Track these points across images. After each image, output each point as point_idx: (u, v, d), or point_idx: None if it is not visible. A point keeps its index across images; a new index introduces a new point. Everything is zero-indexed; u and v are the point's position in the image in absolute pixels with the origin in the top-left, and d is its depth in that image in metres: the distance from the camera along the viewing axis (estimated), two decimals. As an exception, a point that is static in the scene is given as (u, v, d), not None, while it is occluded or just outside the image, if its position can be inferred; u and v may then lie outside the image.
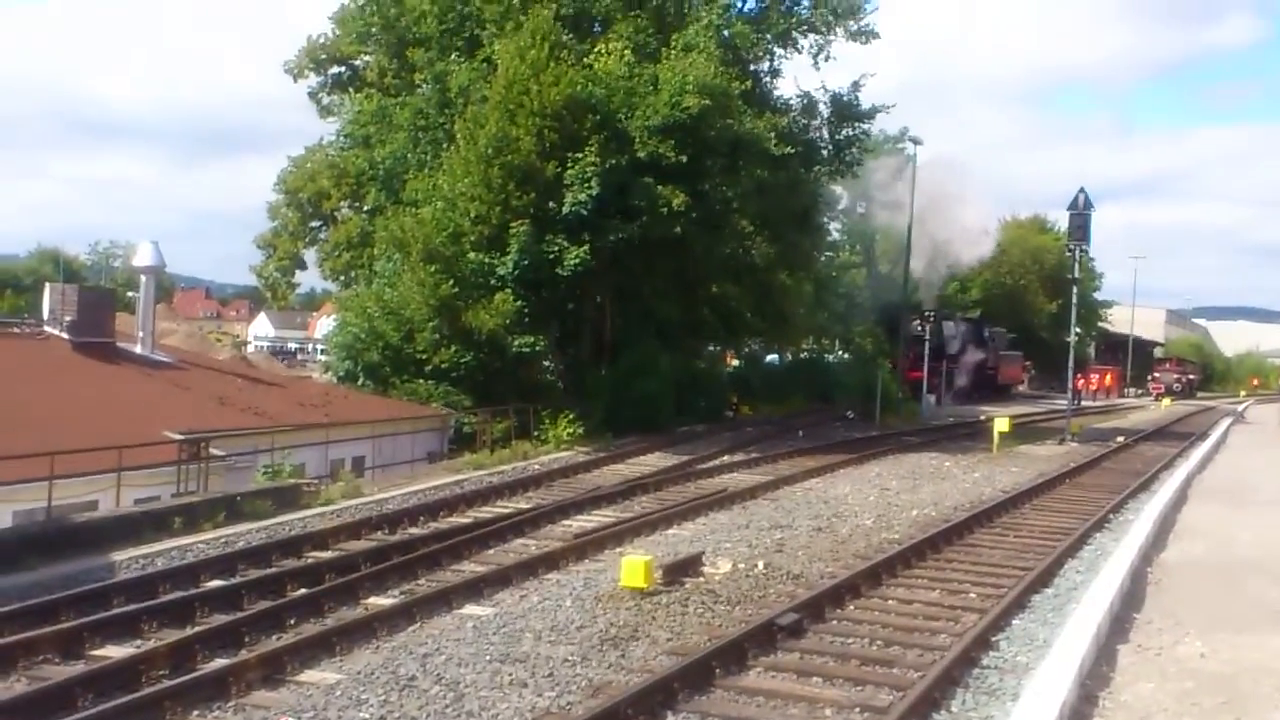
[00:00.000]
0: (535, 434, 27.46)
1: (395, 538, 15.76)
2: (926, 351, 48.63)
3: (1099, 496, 22.21)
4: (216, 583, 12.78)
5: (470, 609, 12.04)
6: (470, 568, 14.12)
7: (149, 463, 17.31)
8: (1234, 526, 18.45)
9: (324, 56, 40.72)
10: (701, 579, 13.76)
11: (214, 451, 18.58)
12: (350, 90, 38.67)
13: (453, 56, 32.71)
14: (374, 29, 35.40)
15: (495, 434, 26.45)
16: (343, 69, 41.09)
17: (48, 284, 28.76)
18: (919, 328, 50.96)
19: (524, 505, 18.90)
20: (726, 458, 26.80)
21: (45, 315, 25.72)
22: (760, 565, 14.61)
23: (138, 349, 25.72)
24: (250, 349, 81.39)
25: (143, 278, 26.93)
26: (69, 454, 15.29)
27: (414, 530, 16.54)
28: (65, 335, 24.18)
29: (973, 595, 13.35)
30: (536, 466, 23.75)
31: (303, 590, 12.41)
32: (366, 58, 39.19)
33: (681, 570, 13.83)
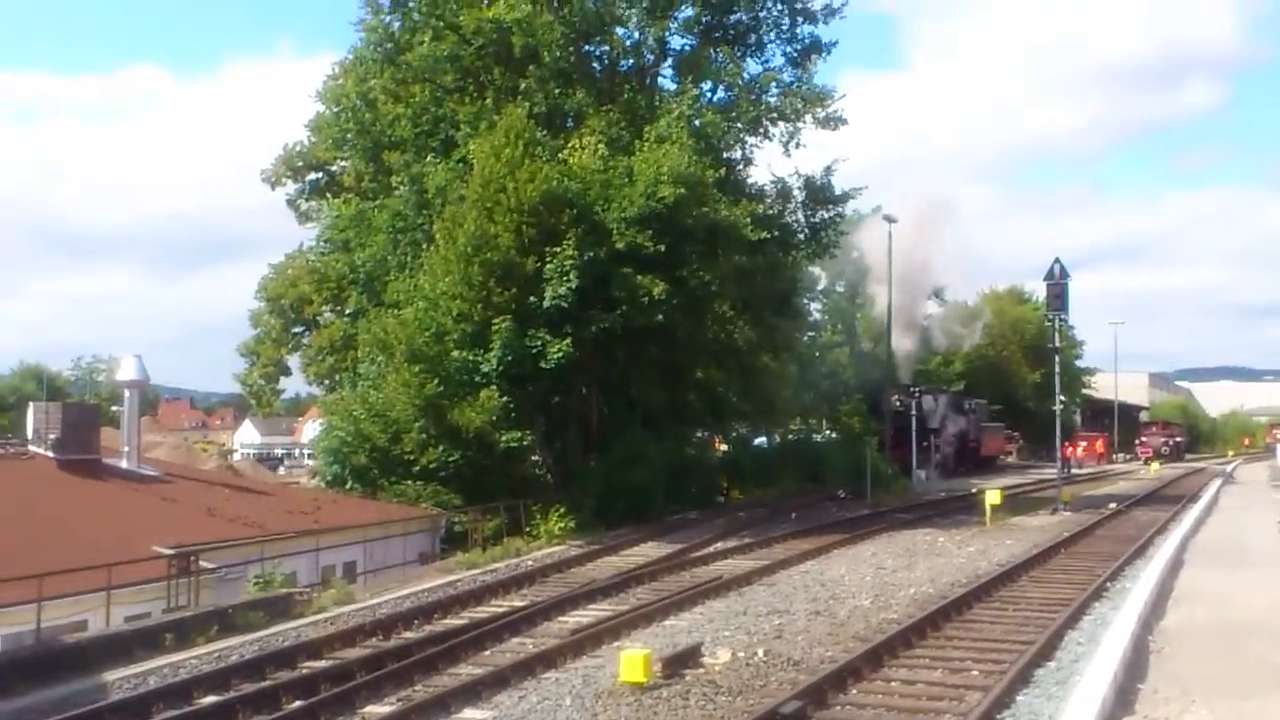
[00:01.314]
0: (527, 530, 27.28)
1: (390, 644, 15.56)
2: (913, 426, 48.68)
3: (1095, 565, 22.13)
4: (211, 699, 12.59)
5: (469, 713, 11.88)
6: (467, 670, 13.94)
7: (138, 579, 17.13)
8: (1232, 589, 18.38)
9: (301, 163, 41.29)
10: (701, 670, 13.61)
11: (204, 564, 18.40)
12: (328, 195, 39.17)
13: (428, 158, 33.10)
14: (349, 134, 35.82)
15: (486, 532, 26.28)
16: (320, 175, 41.64)
17: (31, 403, 28.66)
18: (898, 403, 51.02)
19: (519, 603, 18.71)
20: (720, 544, 26.64)
21: (29, 434, 25.60)
22: (760, 653, 14.46)
23: (124, 464, 25.56)
24: (237, 457, 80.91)
25: (126, 392, 26.86)
26: (57, 575, 15.11)
27: (408, 635, 16.34)
28: (50, 454, 24.04)
29: (975, 673, 13.23)
30: (530, 563, 23.56)
31: (298, 702, 12.23)
32: (343, 163, 39.73)
33: (681, 662, 13.68)
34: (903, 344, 58.58)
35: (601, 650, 14.87)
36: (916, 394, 52.42)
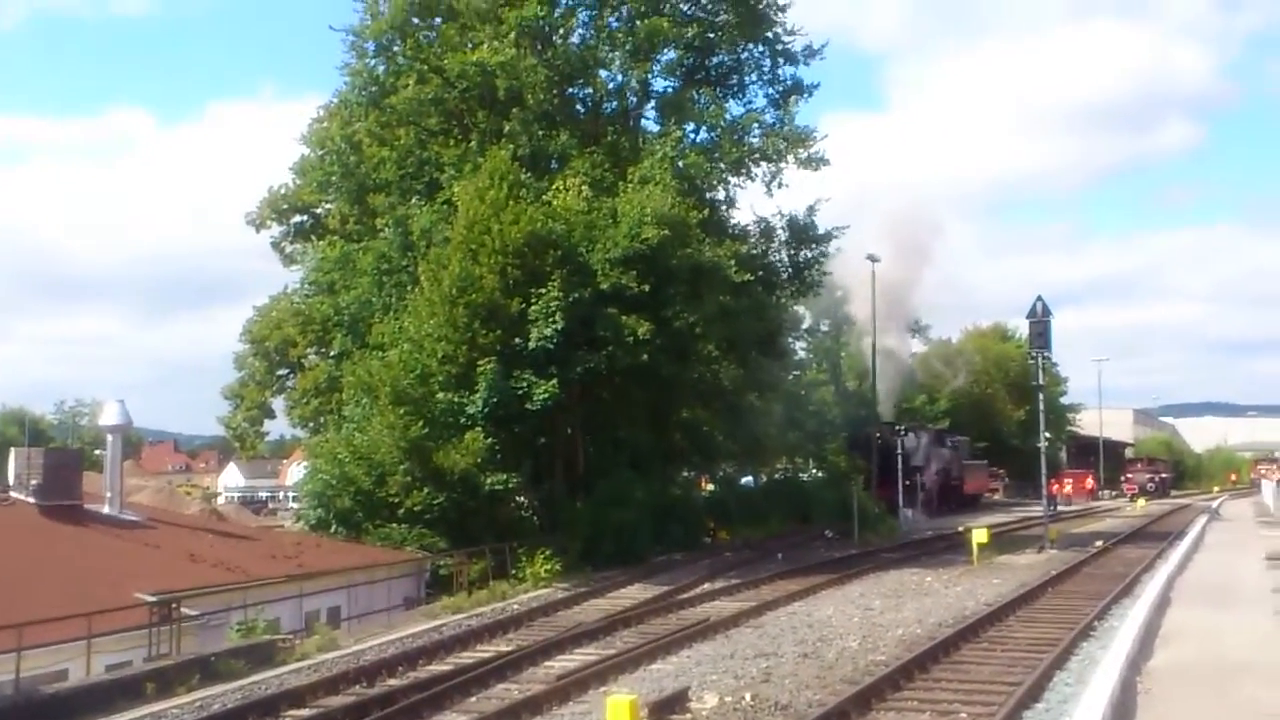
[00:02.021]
0: (513, 572, 27.10)
1: (374, 691, 15.42)
2: (898, 465, 48.67)
3: (1082, 604, 22.11)
4: (191, 750, 12.43)
5: (454, 762, 11.74)
6: (453, 718, 13.81)
7: (120, 627, 16.94)
8: (1219, 628, 18.34)
9: (286, 206, 41.34)
10: (689, 715, 13.51)
11: (186, 611, 18.22)
12: (313, 238, 39.18)
13: (413, 200, 33.22)
14: (334, 177, 35.92)
15: (472, 575, 26.10)
16: (305, 217, 41.68)
17: (13, 448, 28.46)
18: (879, 439, 50.97)
19: (505, 648, 18.58)
20: (707, 585, 26.51)
21: (11, 479, 25.41)
22: (748, 697, 14.37)
23: (106, 509, 25.36)
24: (220, 500, 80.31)
25: (109, 437, 26.70)
26: (37, 624, 14.94)
27: (393, 681, 16.19)
28: (31, 499, 23.84)
29: (964, 715, 13.18)
30: (516, 606, 23.41)
31: (281, 752, 12.08)
32: (328, 205, 39.79)
33: (668, 708, 13.59)
34: (886, 382, 58.57)
35: (588, 696, 14.76)
36: (902, 432, 52.37)
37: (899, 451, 49.04)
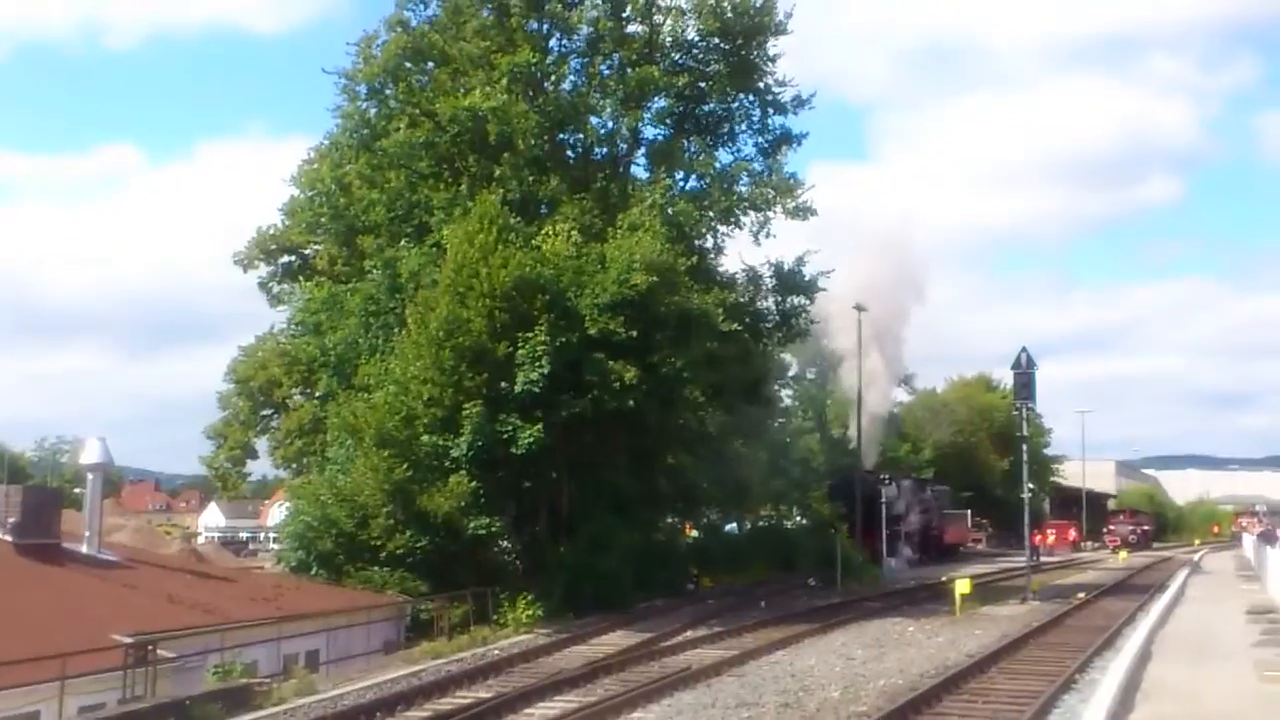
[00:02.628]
0: (494, 617, 26.96)
1: (352, 736, 15.26)
2: (882, 514, 48.63)
3: (1064, 656, 22.05)
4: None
5: (431, 811, 11.60)
6: (430, 765, 13.67)
7: (95, 669, 16.75)
8: (1200, 682, 18.29)
9: (274, 246, 41.39)
10: (669, 766, 13.39)
11: (163, 653, 18.03)
12: (300, 278, 39.20)
13: (402, 243, 33.27)
14: (323, 218, 36.02)
15: (453, 619, 25.94)
16: (293, 258, 41.73)
17: (-9, 485, 28.23)
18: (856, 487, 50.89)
19: (484, 694, 18.43)
20: (689, 633, 26.38)
21: (-12, 517, 25.16)
22: (728, 748, 14.25)
23: (84, 548, 25.13)
24: (200, 541, 79.78)
25: (89, 476, 26.51)
26: (10, 664, 14.77)
27: (371, 727, 16.04)
28: (8, 537, 23.61)
29: (946, 770, 13.08)
30: (496, 652, 23.25)
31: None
32: (316, 246, 39.86)
33: (648, 758, 13.46)
34: (870, 430, 58.58)
35: (568, 745, 14.62)
36: (887, 480, 52.36)
37: (882, 501, 49.02)
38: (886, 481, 51.94)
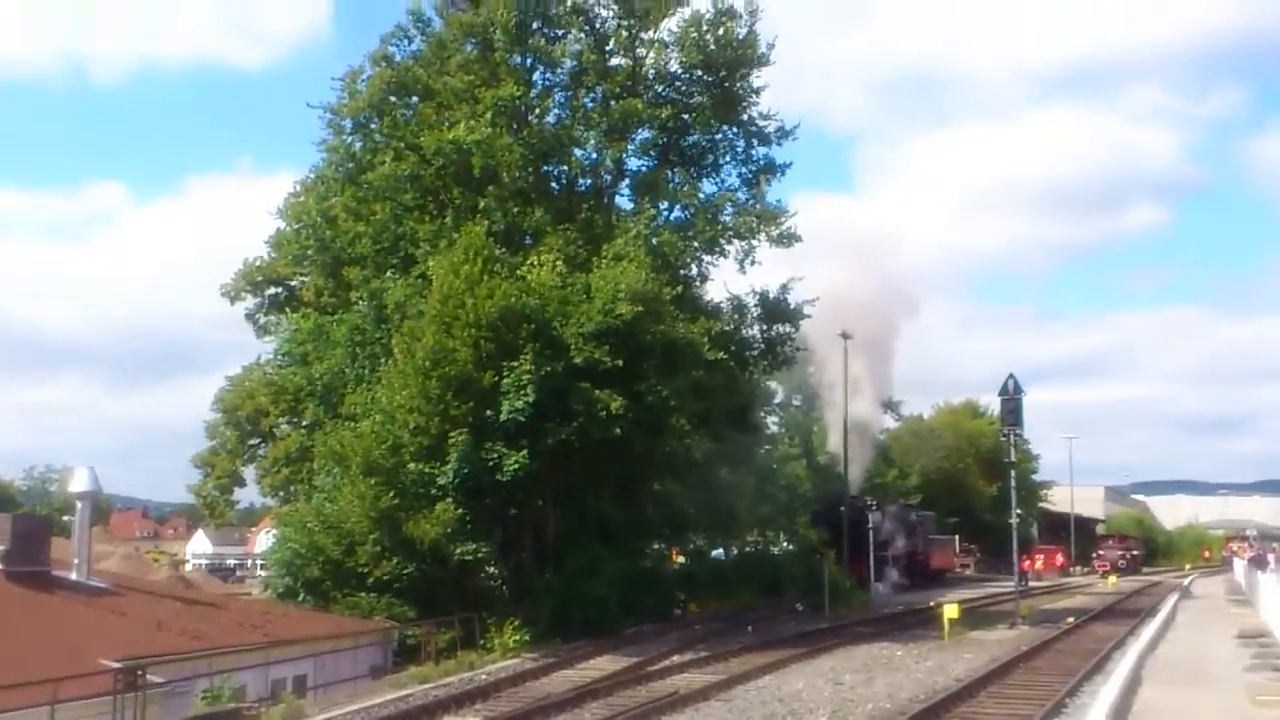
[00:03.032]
0: (481, 643, 27.06)
1: (339, 759, 15.39)
2: (869, 539, 48.76)
3: (1053, 680, 22.17)
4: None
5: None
6: (416, 786, 13.80)
7: (85, 694, 16.85)
8: (1192, 706, 18.38)
9: (260, 278, 41.64)
10: (652, 784, 13.54)
11: (152, 678, 18.13)
12: (287, 310, 39.45)
13: (388, 274, 33.49)
14: (310, 251, 36.25)
15: (440, 645, 26.05)
16: (279, 289, 41.96)
17: (-19, 514, 28.28)
18: (842, 512, 50.93)
19: (472, 718, 18.56)
20: (677, 657, 26.48)
21: (-23, 546, 25.21)
22: (712, 767, 14.40)
23: (74, 575, 25.20)
24: (188, 568, 79.56)
25: (78, 504, 26.58)
26: (1, 689, 14.88)
27: (358, 750, 16.16)
28: (-2, 566, 23.69)
29: (925, 785, 13.25)
30: (484, 676, 23.34)
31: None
32: (303, 278, 40.11)
33: (632, 776, 13.62)
34: (856, 457, 58.59)
35: (553, 765, 14.76)
36: (873, 506, 52.50)
37: (870, 527, 49.14)
38: (873, 507, 52.08)
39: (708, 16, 35.03)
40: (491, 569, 31.94)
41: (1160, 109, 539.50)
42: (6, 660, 17.72)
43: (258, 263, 41.38)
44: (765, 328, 38.03)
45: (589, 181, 36.93)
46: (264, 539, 60.58)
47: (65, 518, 46.03)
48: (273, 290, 42.08)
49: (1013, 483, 41.63)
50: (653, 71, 36.12)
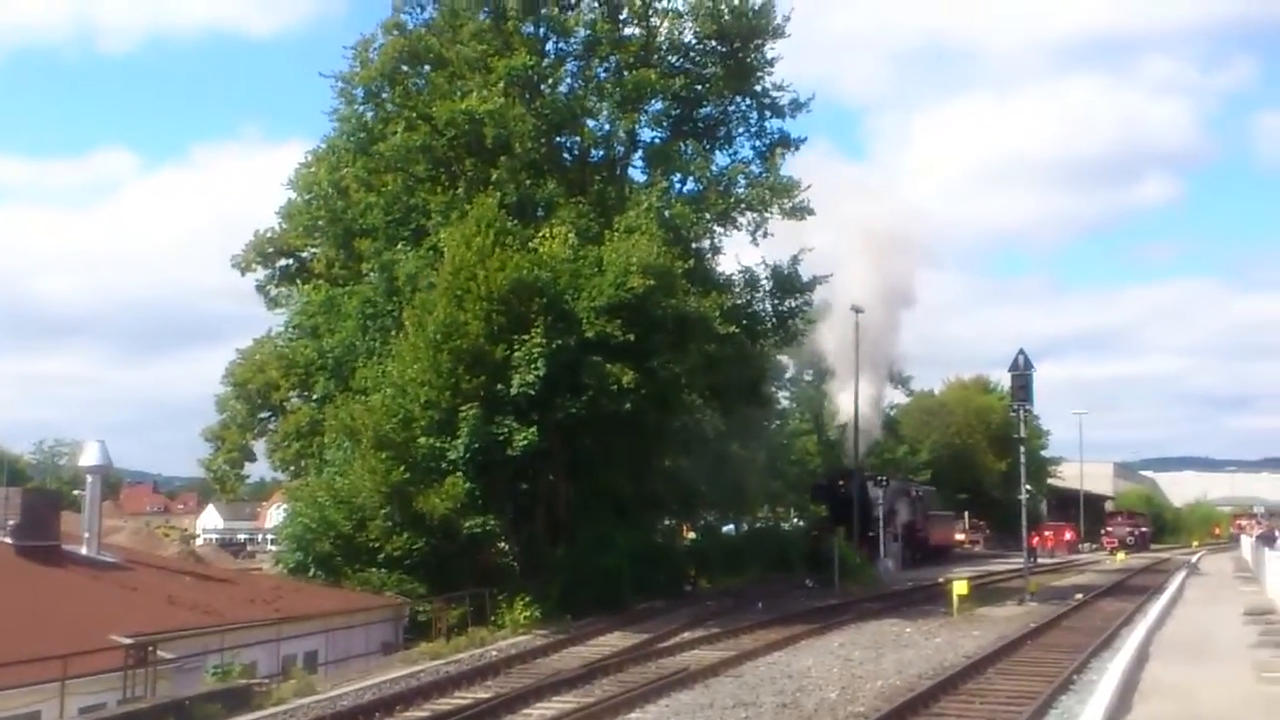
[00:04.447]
0: (492, 619, 27.04)
1: (351, 736, 15.34)
2: (880, 516, 48.66)
3: (1061, 657, 22.11)
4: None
5: (430, 809, 11.67)
6: (429, 765, 13.74)
7: (95, 669, 16.84)
8: (1198, 683, 18.36)
9: (271, 250, 41.44)
10: (667, 765, 13.46)
11: (162, 654, 18.12)
12: (298, 281, 39.27)
13: (399, 246, 33.31)
14: (321, 222, 36.10)
15: (451, 621, 26.02)
16: (290, 261, 41.77)
17: (-9, 487, 28.30)
18: (842, 488, 50.74)
19: (483, 695, 18.52)
20: (687, 634, 26.43)
21: (-12, 520, 25.24)
22: (726, 747, 14.32)
23: (84, 550, 25.22)
24: (199, 542, 79.87)
25: (89, 478, 26.59)
26: (11, 665, 14.85)
27: (370, 728, 16.11)
28: (8, 540, 23.70)
29: (942, 768, 13.16)
30: (494, 652, 23.32)
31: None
32: (314, 249, 39.91)
33: (646, 756, 13.53)
34: (868, 432, 58.29)
35: (566, 744, 14.70)
36: (885, 482, 52.28)
37: (879, 503, 49.00)
38: (884, 483, 51.93)
39: (722, -14, 34.67)
40: (502, 544, 31.89)
41: (1173, 81, 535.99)
42: (17, 635, 17.71)
43: (268, 234, 41.17)
44: (777, 301, 37.83)
45: (601, 153, 36.71)
46: (275, 514, 60.74)
47: (75, 492, 46.22)
48: (284, 262, 41.87)
49: (1022, 459, 41.49)
50: (666, 42, 35.82)
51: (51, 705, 15.93)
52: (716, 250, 37.43)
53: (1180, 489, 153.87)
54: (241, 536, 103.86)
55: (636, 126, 35.65)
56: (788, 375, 58.18)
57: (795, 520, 54.74)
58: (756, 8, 35.01)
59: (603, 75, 35.34)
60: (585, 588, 29.73)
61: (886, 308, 60.89)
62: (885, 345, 63.43)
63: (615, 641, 25.22)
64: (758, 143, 37.26)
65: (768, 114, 36.96)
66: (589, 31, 35.02)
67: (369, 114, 34.81)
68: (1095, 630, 26.58)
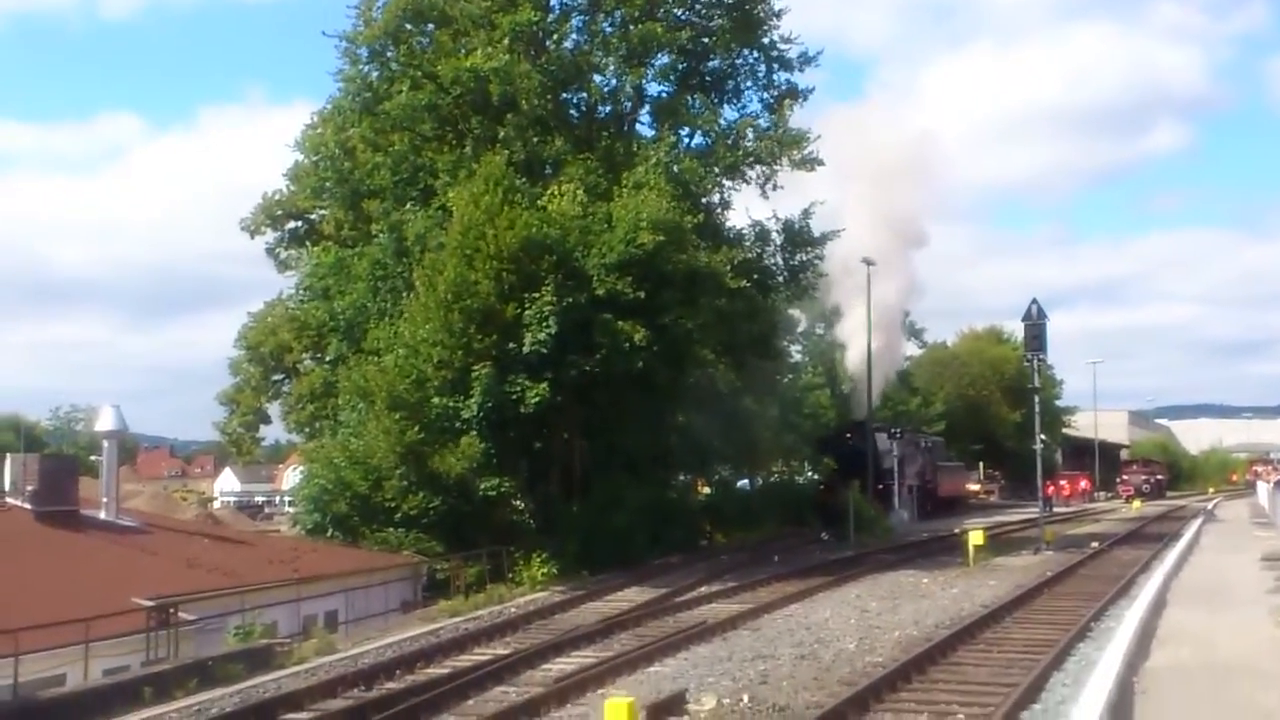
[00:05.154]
0: (509, 576, 27.16)
1: (372, 694, 15.44)
2: (896, 468, 48.61)
3: (1079, 605, 22.14)
4: (190, 754, 12.44)
5: (453, 764, 11.75)
6: (450, 721, 13.82)
7: (117, 632, 16.98)
8: (1216, 629, 18.38)
9: (280, 212, 41.31)
10: (686, 717, 13.53)
11: (184, 615, 18.26)
12: (308, 244, 39.18)
13: (408, 206, 33.20)
14: (328, 183, 35.92)
15: (469, 579, 26.14)
16: (299, 223, 41.65)
17: (8, 454, 28.45)
18: (849, 439, 50.60)
19: (502, 651, 18.61)
20: (704, 588, 26.51)
21: (7, 485, 25.41)
22: (745, 699, 14.40)
23: (102, 515, 25.39)
24: (216, 505, 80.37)
25: (105, 443, 26.72)
26: (34, 629, 14.98)
27: (391, 685, 16.20)
28: (28, 505, 23.85)
29: (961, 717, 13.22)
30: (513, 609, 23.44)
31: (280, 756, 12.10)
32: (322, 211, 39.75)
33: (665, 710, 13.61)
34: (880, 383, 57.91)
35: (585, 699, 14.79)
36: (898, 434, 52.22)
37: (893, 454, 48.94)
38: (897, 435, 51.84)
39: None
40: (518, 502, 31.96)
41: (1183, 26, 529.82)
42: (40, 599, 17.86)
43: (277, 196, 41.04)
44: (788, 255, 37.64)
45: (609, 108, 36.36)
46: (291, 475, 60.90)
47: (92, 457, 46.38)
48: (293, 224, 41.74)
49: (1037, 409, 41.39)
50: (672, -7, 35.39)
51: (76, 668, 16.07)
52: (726, 205, 37.24)
53: (1196, 436, 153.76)
54: (259, 499, 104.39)
55: (643, 81, 35.35)
56: (800, 329, 57.94)
57: (809, 474, 54.69)
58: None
59: (609, 29, 34.94)
60: (601, 544, 29.83)
61: (897, 246, 60.23)
62: (898, 291, 62.79)
63: (632, 596, 25.32)
64: (766, 95, 36.95)
65: (776, 67, 36.62)
66: (594, -16, 34.63)
67: (374, 74, 34.54)
68: (1112, 578, 26.60)
